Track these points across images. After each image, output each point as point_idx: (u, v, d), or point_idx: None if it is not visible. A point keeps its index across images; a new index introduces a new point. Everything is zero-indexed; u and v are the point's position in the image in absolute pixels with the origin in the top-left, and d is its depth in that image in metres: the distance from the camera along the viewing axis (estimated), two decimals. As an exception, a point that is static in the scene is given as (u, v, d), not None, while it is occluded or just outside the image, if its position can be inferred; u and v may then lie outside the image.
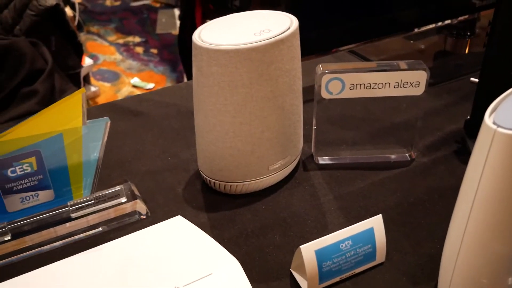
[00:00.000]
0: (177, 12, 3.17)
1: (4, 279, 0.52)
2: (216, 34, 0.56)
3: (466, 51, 0.98)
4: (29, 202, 0.57)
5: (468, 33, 0.98)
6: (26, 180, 0.56)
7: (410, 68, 0.61)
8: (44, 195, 0.58)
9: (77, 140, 0.57)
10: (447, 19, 0.92)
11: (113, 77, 2.48)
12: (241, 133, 0.58)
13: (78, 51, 1.42)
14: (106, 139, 0.60)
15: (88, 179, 0.60)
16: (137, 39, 2.83)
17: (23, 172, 0.55)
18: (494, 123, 0.37)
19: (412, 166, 0.67)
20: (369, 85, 0.62)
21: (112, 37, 2.86)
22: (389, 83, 0.62)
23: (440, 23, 0.93)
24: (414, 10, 0.87)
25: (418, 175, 0.65)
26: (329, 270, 0.50)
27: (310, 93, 0.66)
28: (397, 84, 0.62)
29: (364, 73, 0.61)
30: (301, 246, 0.48)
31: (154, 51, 2.70)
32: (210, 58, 0.54)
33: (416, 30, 0.91)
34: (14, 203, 0.56)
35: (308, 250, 0.48)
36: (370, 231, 0.51)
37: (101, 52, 2.70)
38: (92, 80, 2.35)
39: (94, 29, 2.96)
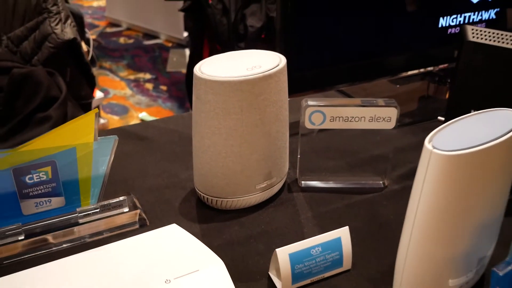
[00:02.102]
0: (188, 52, 3.31)
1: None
2: (214, 67, 0.65)
3: (447, 96, 1.07)
4: (43, 207, 0.65)
5: (449, 80, 1.07)
6: (41, 187, 0.64)
7: (383, 105, 0.70)
8: (56, 202, 0.66)
9: (88, 154, 0.65)
10: (429, 66, 1.01)
11: (122, 110, 2.58)
12: (232, 154, 0.66)
13: (91, 83, 1.52)
14: (113, 158, 0.69)
15: (95, 190, 0.68)
16: (148, 76, 2.96)
17: (39, 180, 0.63)
18: (432, 146, 0.46)
19: (384, 192, 0.75)
20: (347, 118, 0.70)
21: (124, 73, 2.98)
22: (364, 117, 0.70)
23: (423, 70, 1.02)
24: (400, 57, 0.96)
25: (389, 200, 0.73)
26: (301, 272, 0.57)
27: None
28: (371, 118, 0.70)
29: (343, 108, 0.70)
30: (276, 249, 0.56)
31: (164, 88, 2.82)
32: (207, 87, 0.63)
33: (401, 74, 1.00)
34: (29, 207, 0.64)
35: (283, 253, 0.56)
36: (338, 240, 0.58)
37: (112, 87, 2.82)
38: (102, 112, 2.45)
39: (106, 64, 3.09)
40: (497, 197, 0.50)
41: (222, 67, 0.65)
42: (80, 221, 0.67)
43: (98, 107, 2.34)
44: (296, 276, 0.57)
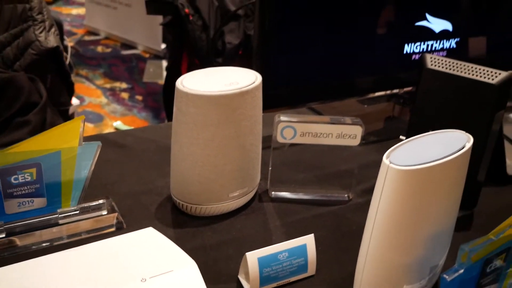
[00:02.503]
0: (164, 63, 3.35)
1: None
2: (195, 82, 0.70)
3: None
4: (25, 206, 0.68)
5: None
6: (25, 188, 0.67)
7: (350, 123, 0.76)
8: (38, 202, 0.69)
9: (72, 158, 0.69)
10: (395, 89, 1.08)
11: (97, 118, 2.60)
12: (208, 163, 0.71)
13: (70, 90, 1.54)
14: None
15: (76, 192, 0.71)
16: (124, 85, 2.98)
17: (24, 180, 0.66)
18: (389, 161, 0.51)
19: (349, 205, 0.80)
20: (316, 134, 0.76)
21: (100, 81, 3.00)
22: (332, 133, 0.76)
23: (389, 92, 1.09)
24: (368, 79, 1.03)
25: (353, 212, 0.78)
26: (268, 275, 0.61)
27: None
28: (338, 135, 0.76)
29: (312, 124, 0.75)
30: (246, 253, 0.60)
31: (139, 97, 2.84)
32: (188, 100, 0.68)
33: (369, 95, 1.06)
34: (12, 206, 0.67)
35: (252, 257, 0.60)
36: (304, 247, 0.63)
37: (87, 94, 2.83)
38: (77, 119, 2.46)
39: (83, 72, 3.10)
40: (447, 210, 0.56)
41: (202, 82, 0.70)
42: (60, 221, 0.70)
43: (73, 114, 2.35)
44: (263, 279, 0.61)
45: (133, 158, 0.90)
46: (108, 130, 2.51)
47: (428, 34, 1.00)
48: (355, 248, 0.70)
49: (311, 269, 0.65)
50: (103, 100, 2.80)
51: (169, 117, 1.79)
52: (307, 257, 0.64)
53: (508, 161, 0.86)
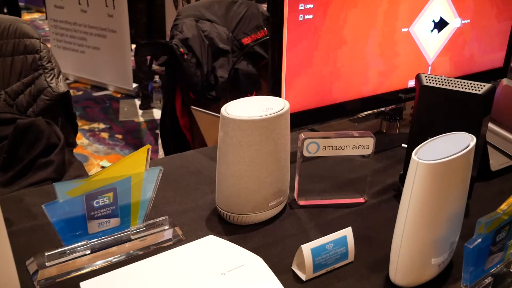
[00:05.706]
0: (137, 102, 3.46)
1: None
2: (237, 109, 0.83)
3: (397, 131, 1.30)
4: (103, 226, 0.80)
5: (398, 118, 1.30)
6: (104, 210, 0.79)
7: (362, 135, 0.91)
8: (114, 222, 0.81)
9: (139, 182, 0.81)
10: (381, 107, 1.25)
11: (82, 159, 2.68)
12: (252, 177, 0.84)
13: (75, 131, 1.65)
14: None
15: (142, 212, 0.83)
16: (102, 126, 3.07)
17: (103, 203, 0.78)
18: (417, 157, 0.66)
19: (365, 206, 0.95)
20: (335, 147, 0.91)
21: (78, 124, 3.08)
22: (349, 145, 0.91)
23: (376, 110, 1.25)
24: (359, 100, 1.19)
25: (369, 211, 0.93)
26: (319, 263, 0.75)
27: (293, 156, 0.94)
28: (354, 146, 0.91)
29: (332, 139, 0.90)
30: (302, 246, 0.74)
31: (119, 136, 2.94)
32: (235, 125, 0.81)
33: (359, 114, 1.22)
34: (94, 226, 0.79)
35: (306, 248, 0.74)
36: (344, 238, 0.77)
37: (68, 137, 2.91)
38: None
39: (59, 116, 3.18)
40: (461, 195, 0.71)
41: (243, 109, 0.84)
42: (132, 237, 0.82)
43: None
44: (316, 267, 0.75)
45: (171, 183, 1.02)
46: (94, 169, 2.59)
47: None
48: (379, 238, 0.85)
49: (351, 256, 0.79)
50: (85, 141, 2.88)
51: (166, 149, 1.91)
52: (347, 246, 0.78)
53: (491, 161, 1.03)
